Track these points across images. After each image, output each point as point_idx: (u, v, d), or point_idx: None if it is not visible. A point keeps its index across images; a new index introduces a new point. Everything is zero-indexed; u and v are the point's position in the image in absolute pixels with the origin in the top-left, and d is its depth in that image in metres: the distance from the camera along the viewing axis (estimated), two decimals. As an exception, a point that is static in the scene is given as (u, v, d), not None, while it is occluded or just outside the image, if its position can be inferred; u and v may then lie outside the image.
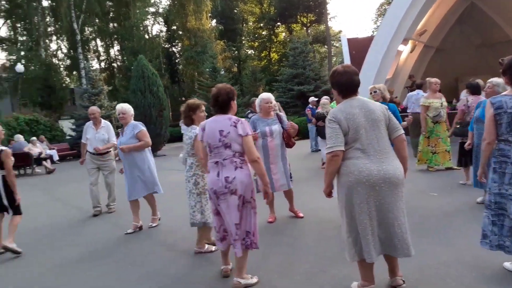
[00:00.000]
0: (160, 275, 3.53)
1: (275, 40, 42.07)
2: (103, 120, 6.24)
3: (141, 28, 31.59)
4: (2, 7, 29.14)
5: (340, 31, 43.79)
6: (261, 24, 41.04)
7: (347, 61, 14.60)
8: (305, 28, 40.37)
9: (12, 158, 4.57)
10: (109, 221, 5.76)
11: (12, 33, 30.64)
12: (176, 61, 37.70)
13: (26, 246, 4.59)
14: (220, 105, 3.11)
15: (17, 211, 4.52)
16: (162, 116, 15.62)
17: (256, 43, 43.20)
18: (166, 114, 15.87)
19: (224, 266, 3.35)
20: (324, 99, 8.37)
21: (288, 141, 4.76)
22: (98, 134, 6.04)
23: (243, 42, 42.51)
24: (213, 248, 3.89)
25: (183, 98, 36.47)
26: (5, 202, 4.44)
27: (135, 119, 5.23)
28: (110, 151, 6.13)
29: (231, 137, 3.02)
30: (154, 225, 5.11)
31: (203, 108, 3.99)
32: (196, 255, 3.90)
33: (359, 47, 14.25)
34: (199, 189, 3.83)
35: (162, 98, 15.63)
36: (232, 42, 37.01)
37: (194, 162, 3.85)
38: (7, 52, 29.04)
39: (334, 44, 41.77)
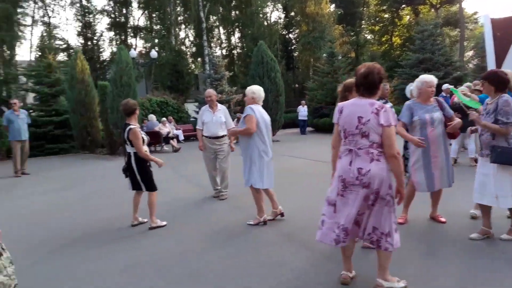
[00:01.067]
0: (279, 267, 3.40)
1: (398, 24, 39.16)
2: (219, 104, 6.28)
3: (261, 15, 32.24)
4: (141, -1, 32.57)
5: (475, 12, 38.85)
6: (384, 7, 38.46)
7: (489, 44, 12.65)
8: (433, 10, 36.62)
9: (147, 137, 4.90)
10: (230, 204, 5.89)
11: (148, 22, 34.17)
12: (292, 47, 37.82)
13: (161, 218, 4.91)
14: (367, 86, 2.76)
15: (152, 187, 4.79)
16: (278, 102, 15.70)
17: (377, 27, 40.76)
18: (281, 100, 15.91)
19: (344, 273, 3.02)
20: (465, 86, 7.29)
21: (453, 130, 4.09)
22: (216, 117, 6.09)
23: (363, 26, 40.55)
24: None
25: (297, 85, 36.62)
26: (139, 177, 4.74)
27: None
28: (225, 135, 6.15)
29: (371, 125, 2.68)
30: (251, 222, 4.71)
31: None
32: (316, 249, 3.67)
33: (505, 28, 12.21)
34: None
35: (279, 84, 15.70)
36: (351, 27, 35.57)
37: None
38: (143, 40, 32.52)
39: (468, 26, 37.19)
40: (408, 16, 39.60)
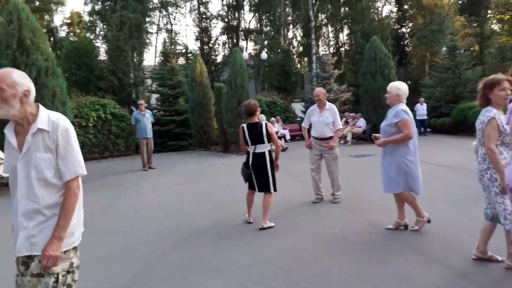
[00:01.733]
0: (408, 281, 3.16)
1: (535, 10, 33.95)
2: (327, 103, 6.02)
3: (372, 10, 30.91)
4: (252, 2, 33.78)
5: None
6: (518, -8, 33.67)
7: None
8: None
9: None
10: (344, 207, 5.73)
11: (258, 24, 35.33)
12: (405, 42, 35.53)
13: (273, 218, 4.99)
14: None
15: (276, 188, 4.90)
16: (391, 101, 14.85)
17: (507, 15, 35.90)
18: (395, 98, 15.00)
19: None
20: None
21: None
22: (322, 117, 5.87)
23: (489, 15, 36.12)
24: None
25: (409, 82, 34.21)
26: (271, 178, 4.83)
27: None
28: (332, 136, 5.89)
29: None
30: (416, 228, 4.33)
31: (506, 85, 3.11)
32: (449, 265, 3.33)
33: None
34: (498, 187, 3.06)
35: (393, 81, 14.78)
36: (474, 17, 31.98)
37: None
38: (253, 42, 33.71)
39: None
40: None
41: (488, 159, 3.06)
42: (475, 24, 32.68)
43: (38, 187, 1.86)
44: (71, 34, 34.83)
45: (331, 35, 36.15)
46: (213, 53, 29.76)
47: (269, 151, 4.84)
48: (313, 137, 5.98)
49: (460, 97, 17.73)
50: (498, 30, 36.31)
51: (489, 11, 36.26)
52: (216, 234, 4.75)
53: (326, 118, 5.88)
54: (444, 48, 20.45)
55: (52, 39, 31.82)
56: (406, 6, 33.38)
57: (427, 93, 19.68)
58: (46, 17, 32.92)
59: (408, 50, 34.37)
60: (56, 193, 1.91)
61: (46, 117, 1.91)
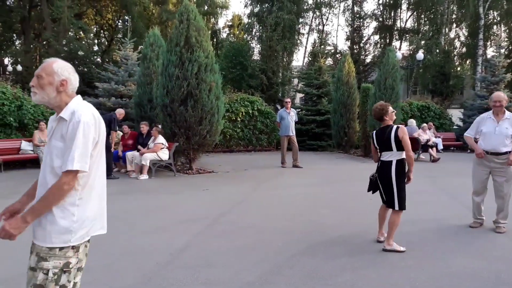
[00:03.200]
0: None
1: None
2: (507, 112, 4.97)
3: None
4: (412, 1, 31.46)
5: None
6: None
7: None
8: None
9: None
10: (509, 237, 4.75)
11: (415, 24, 32.71)
12: None
13: (408, 240, 4.41)
14: None
15: (403, 205, 4.19)
16: None
17: None
18: None
19: None
20: None
21: None
22: (500, 128, 4.87)
23: None
24: None
25: None
26: (396, 192, 4.16)
27: None
28: (509, 151, 4.82)
29: None
30: None
31: None
32: None
33: None
34: None
35: None
36: None
37: None
38: (408, 42, 31.39)
39: None
40: None
41: None
42: None
43: (48, 174, 1.85)
44: (231, 35, 38.08)
45: (503, 35, 31.14)
46: (363, 53, 28.70)
47: (400, 161, 4.15)
48: (483, 150, 5.00)
49: None
50: None
51: None
52: (350, 245, 4.43)
53: (505, 129, 4.88)
54: None
55: (215, 40, 35.32)
56: None
57: None
58: (212, 19, 36.70)
59: None
60: None
61: (72, 108, 1.89)
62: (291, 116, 10.73)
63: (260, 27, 29.19)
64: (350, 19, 30.06)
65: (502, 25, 30.61)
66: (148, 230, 4.94)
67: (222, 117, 9.68)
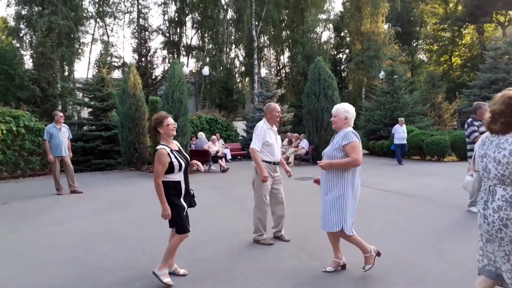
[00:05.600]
0: None
1: (459, 43, 36.90)
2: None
3: (310, 35, 31.54)
4: (195, 19, 33.11)
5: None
6: (444, 26, 36.49)
7: None
8: (500, 28, 34.19)
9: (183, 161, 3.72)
10: (295, 245, 4.83)
11: (200, 41, 34.57)
12: (342, 67, 37.02)
13: (210, 256, 3.93)
14: None
15: (180, 229, 3.67)
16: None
17: (435, 47, 38.73)
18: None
19: None
20: None
21: None
22: (279, 138, 5.03)
23: (419, 46, 38.89)
24: None
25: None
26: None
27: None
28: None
29: None
30: (368, 267, 3.64)
31: None
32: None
33: None
34: None
35: (336, 102, 14.59)
36: (407, 46, 34.09)
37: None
38: (195, 59, 32.83)
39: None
40: (470, 36, 37.29)
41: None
42: (405, 54, 34.76)
43: None
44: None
45: (272, 56, 36.43)
46: (150, 66, 28.24)
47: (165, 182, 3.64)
48: (268, 162, 4.77)
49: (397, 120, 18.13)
50: (426, 60, 39.02)
51: (420, 42, 38.91)
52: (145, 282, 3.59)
53: (279, 139, 5.04)
54: (382, 73, 21.03)
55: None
56: (342, 34, 34.87)
57: (366, 116, 19.94)
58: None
59: (344, 75, 35.74)
60: None
61: None
62: (63, 133, 8.94)
63: (31, 32, 25.20)
64: (136, 31, 29.18)
65: (271, 48, 35.67)
66: None
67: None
